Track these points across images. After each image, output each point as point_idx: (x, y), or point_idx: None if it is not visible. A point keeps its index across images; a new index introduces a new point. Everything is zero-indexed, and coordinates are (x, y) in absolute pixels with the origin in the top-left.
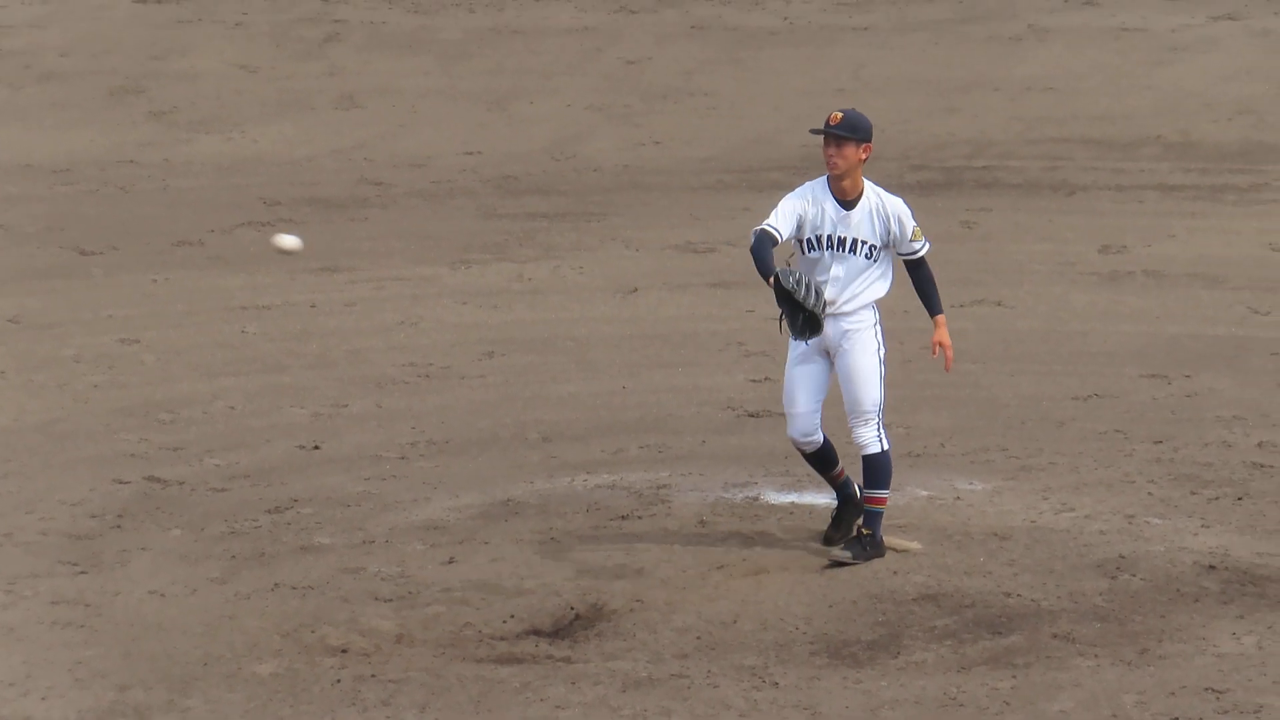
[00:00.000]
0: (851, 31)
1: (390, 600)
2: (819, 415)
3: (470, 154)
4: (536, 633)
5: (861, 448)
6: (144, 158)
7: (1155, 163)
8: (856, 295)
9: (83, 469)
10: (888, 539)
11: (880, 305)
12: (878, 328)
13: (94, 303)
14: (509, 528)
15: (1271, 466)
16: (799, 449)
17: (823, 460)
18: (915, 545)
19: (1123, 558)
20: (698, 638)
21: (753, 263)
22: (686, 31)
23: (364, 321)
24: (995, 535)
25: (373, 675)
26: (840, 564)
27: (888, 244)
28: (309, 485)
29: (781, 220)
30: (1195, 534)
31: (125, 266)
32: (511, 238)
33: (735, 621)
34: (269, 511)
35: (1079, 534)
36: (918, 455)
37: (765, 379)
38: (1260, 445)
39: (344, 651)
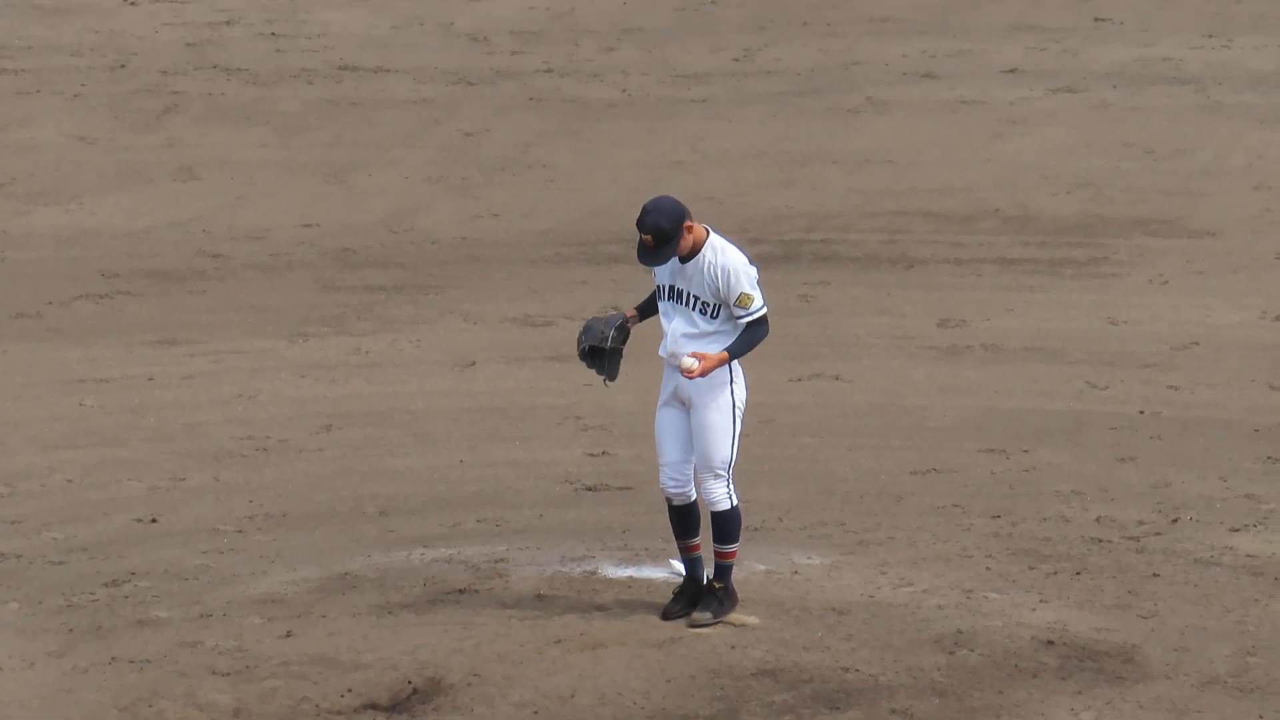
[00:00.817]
0: (690, 104)
1: (228, 674)
2: (690, 466)
3: (308, 226)
4: (374, 707)
5: (711, 505)
6: None
7: (994, 236)
8: (688, 343)
9: None
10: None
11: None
12: (734, 386)
13: None
14: (346, 601)
15: (1109, 541)
16: (667, 499)
17: (686, 521)
18: (753, 620)
19: (961, 633)
20: (535, 712)
21: None
22: (525, 103)
23: (202, 394)
24: (833, 610)
25: None
26: (700, 626)
27: (721, 302)
28: (146, 558)
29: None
30: (1033, 609)
31: None
32: (349, 310)
33: (573, 696)
34: (106, 585)
35: (917, 609)
36: (755, 529)
37: (603, 453)
38: (1098, 520)
39: None
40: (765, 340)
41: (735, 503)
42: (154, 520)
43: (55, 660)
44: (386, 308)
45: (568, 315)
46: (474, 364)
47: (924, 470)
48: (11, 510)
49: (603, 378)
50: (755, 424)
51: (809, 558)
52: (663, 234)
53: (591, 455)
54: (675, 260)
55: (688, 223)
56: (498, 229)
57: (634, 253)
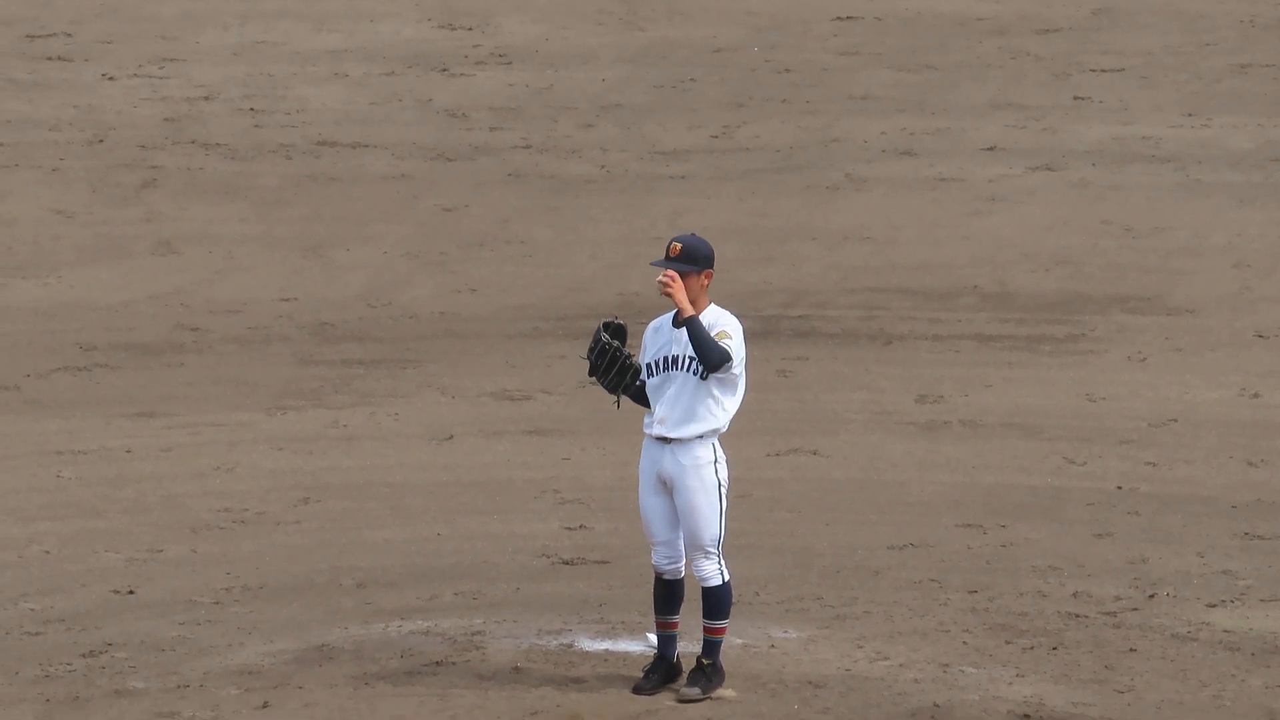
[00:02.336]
0: (669, 180)
1: None
2: (680, 542)
3: (286, 300)
4: None
5: (702, 581)
6: None
7: (972, 313)
8: (690, 420)
9: None
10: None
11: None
12: (718, 465)
13: None
14: (323, 673)
15: (1086, 616)
16: (659, 574)
17: (671, 597)
18: (730, 693)
19: (937, 706)
20: None
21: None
22: (503, 179)
23: (180, 466)
24: (809, 683)
25: None
26: (689, 701)
27: None
28: (123, 630)
29: (641, 355)
30: (1010, 683)
31: None
32: (327, 384)
33: None
34: (84, 655)
35: (894, 682)
36: (732, 604)
37: (580, 526)
38: (1075, 595)
39: None
40: (730, 388)
41: (726, 579)
42: (131, 591)
43: None
44: (364, 381)
45: (545, 389)
46: (452, 437)
47: (901, 545)
48: None
49: (613, 395)
50: (733, 499)
51: (785, 631)
52: (692, 252)
53: (569, 529)
54: (672, 330)
55: (710, 272)
56: (476, 304)
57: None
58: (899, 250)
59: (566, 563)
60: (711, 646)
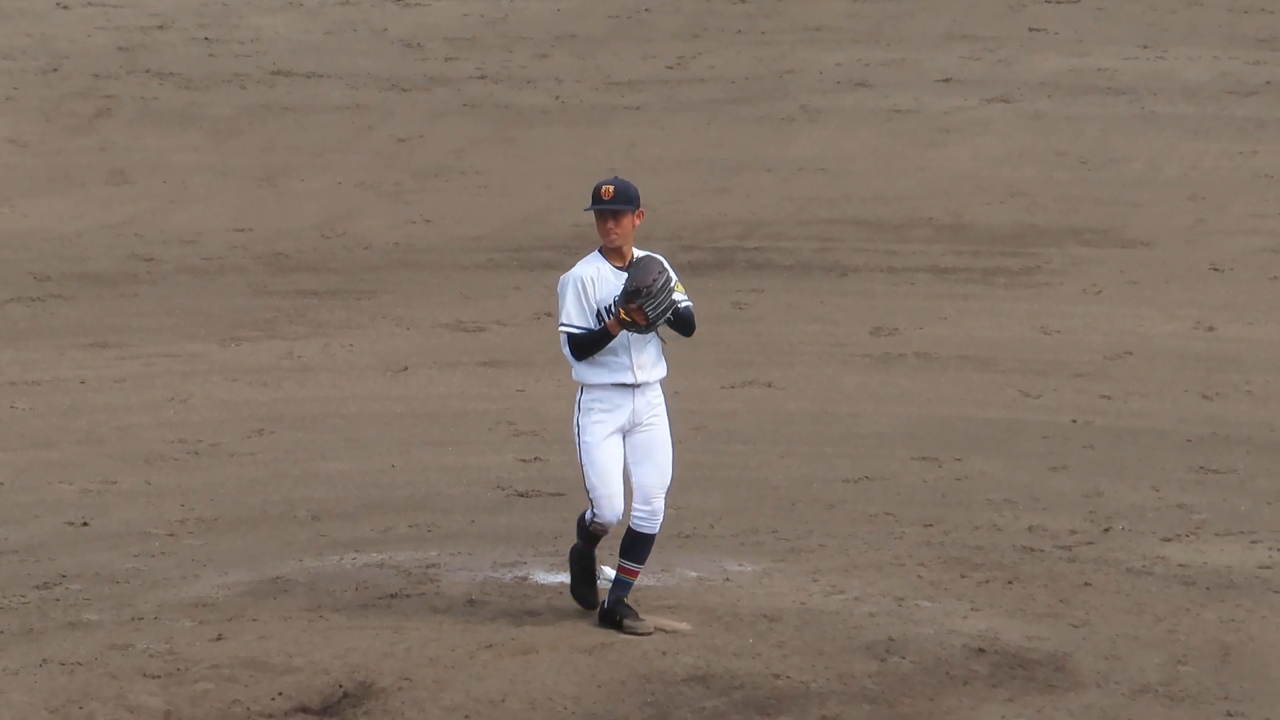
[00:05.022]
0: (623, 110)
1: (159, 677)
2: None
3: (240, 230)
4: (305, 710)
5: (647, 525)
6: None
7: (927, 245)
8: (658, 362)
9: None
10: (656, 619)
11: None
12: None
13: None
14: (278, 605)
15: (1041, 550)
16: (598, 533)
17: (590, 560)
18: (684, 626)
19: (892, 640)
20: (466, 716)
21: (584, 352)
22: (458, 109)
23: (133, 397)
24: (765, 617)
25: None
26: (637, 633)
27: None
28: (77, 561)
29: (576, 317)
30: (965, 617)
31: None
32: (281, 315)
33: (504, 701)
34: (37, 587)
35: (849, 616)
36: (687, 536)
37: (535, 459)
38: (1030, 529)
39: None
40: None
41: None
42: (85, 523)
43: None
44: (319, 312)
45: (500, 321)
46: (406, 369)
47: (856, 478)
48: None
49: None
50: (687, 430)
51: (740, 565)
52: (625, 194)
53: (524, 461)
54: (618, 275)
55: (641, 211)
56: (430, 234)
57: (566, 258)
58: (854, 182)
59: (521, 495)
60: (627, 587)
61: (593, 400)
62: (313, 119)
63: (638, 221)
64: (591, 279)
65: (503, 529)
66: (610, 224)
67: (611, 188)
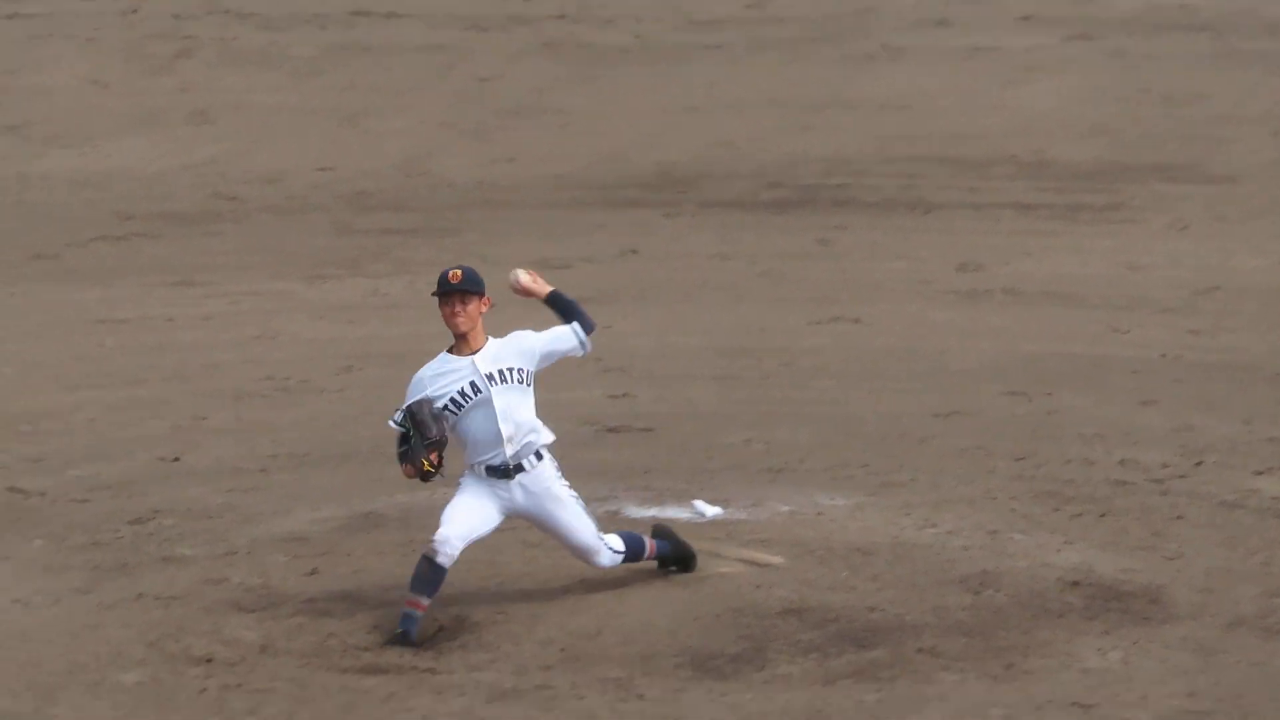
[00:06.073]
0: (703, 49)
1: (253, 611)
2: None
3: (323, 170)
4: (399, 644)
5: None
6: None
7: (1010, 182)
8: (534, 430)
9: None
10: (750, 553)
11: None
12: (560, 475)
13: None
14: (371, 540)
15: (1132, 483)
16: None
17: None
18: (777, 559)
19: (986, 573)
20: (561, 650)
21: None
22: (538, 49)
23: (220, 335)
24: (858, 550)
25: (238, 685)
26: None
27: (534, 361)
28: (170, 497)
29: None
30: (1058, 550)
31: None
32: (365, 253)
33: (598, 634)
34: (131, 523)
35: (942, 549)
36: (778, 471)
37: (624, 394)
38: (1121, 463)
39: (209, 661)
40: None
41: (618, 551)
42: (177, 459)
43: (81, 597)
44: (403, 250)
45: (585, 258)
46: (493, 306)
47: (946, 413)
48: (35, 449)
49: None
50: (776, 366)
51: (832, 499)
52: (473, 280)
53: (613, 397)
54: (478, 364)
55: (488, 298)
56: (513, 173)
57: (650, 196)
58: (936, 120)
59: (611, 430)
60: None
61: (472, 486)
62: (393, 59)
63: (484, 309)
64: (433, 374)
65: (593, 464)
66: (457, 308)
67: (459, 272)
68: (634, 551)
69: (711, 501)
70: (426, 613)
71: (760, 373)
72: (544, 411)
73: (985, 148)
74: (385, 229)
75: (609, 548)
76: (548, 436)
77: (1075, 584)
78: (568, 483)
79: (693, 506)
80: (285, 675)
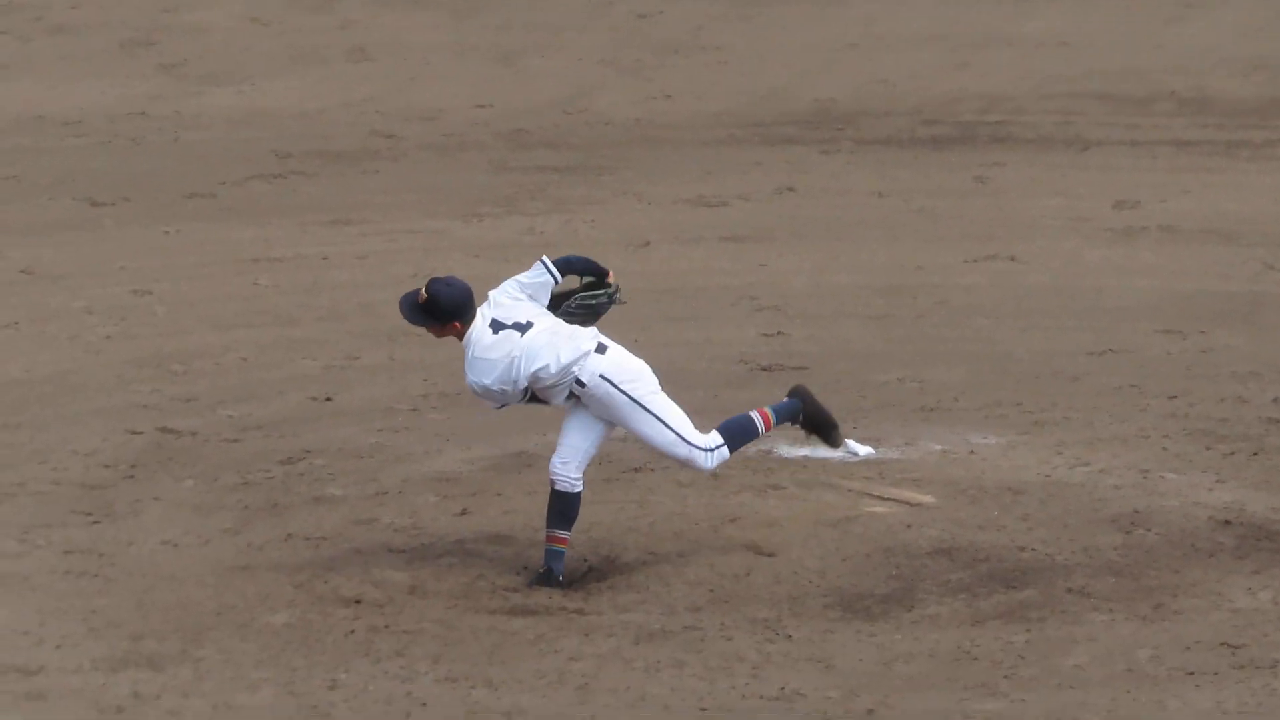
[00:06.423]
0: None
1: (403, 551)
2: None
3: (481, 107)
4: (550, 584)
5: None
6: (154, 110)
7: (1169, 118)
8: (564, 365)
9: (95, 420)
10: (901, 493)
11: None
12: (629, 380)
13: (106, 254)
14: (522, 480)
15: None
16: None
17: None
18: (928, 499)
19: (1137, 512)
20: (710, 590)
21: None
22: None
23: (376, 274)
24: (1009, 490)
25: (386, 626)
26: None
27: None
28: (321, 437)
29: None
30: (1210, 489)
31: (137, 218)
32: (522, 191)
33: (748, 574)
34: (281, 463)
35: (1093, 489)
36: (931, 409)
37: (778, 333)
38: (1276, 401)
39: (357, 602)
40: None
41: (715, 446)
42: (328, 399)
43: (231, 537)
44: (560, 188)
45: (742, 196)
46: (648, 244)
47: (1100, 351)
48: (186, 388)
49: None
50: (930, 305)
51: (984, 437)
52: (437, 307)
53: (766, 335)
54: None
55: (457, 323)
56: (670, 111)
57: (807, 133)
58: (1094, 57)
59: (764, 369)
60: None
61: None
62: None
63: (449, 329)
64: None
65: (746, 403)
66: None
67: (426, 295)
68: (738, 435)
69: (863, 441)
70: (569, 547)
71: (914, 311)
72: (696, 351)
73: (1144, 84)
74: (542, 167)
75: (701, 448)
76: (578, 353)
77: (1226, 523)
78: (648, 388)
79: (845, 446)
80: (433, 617)
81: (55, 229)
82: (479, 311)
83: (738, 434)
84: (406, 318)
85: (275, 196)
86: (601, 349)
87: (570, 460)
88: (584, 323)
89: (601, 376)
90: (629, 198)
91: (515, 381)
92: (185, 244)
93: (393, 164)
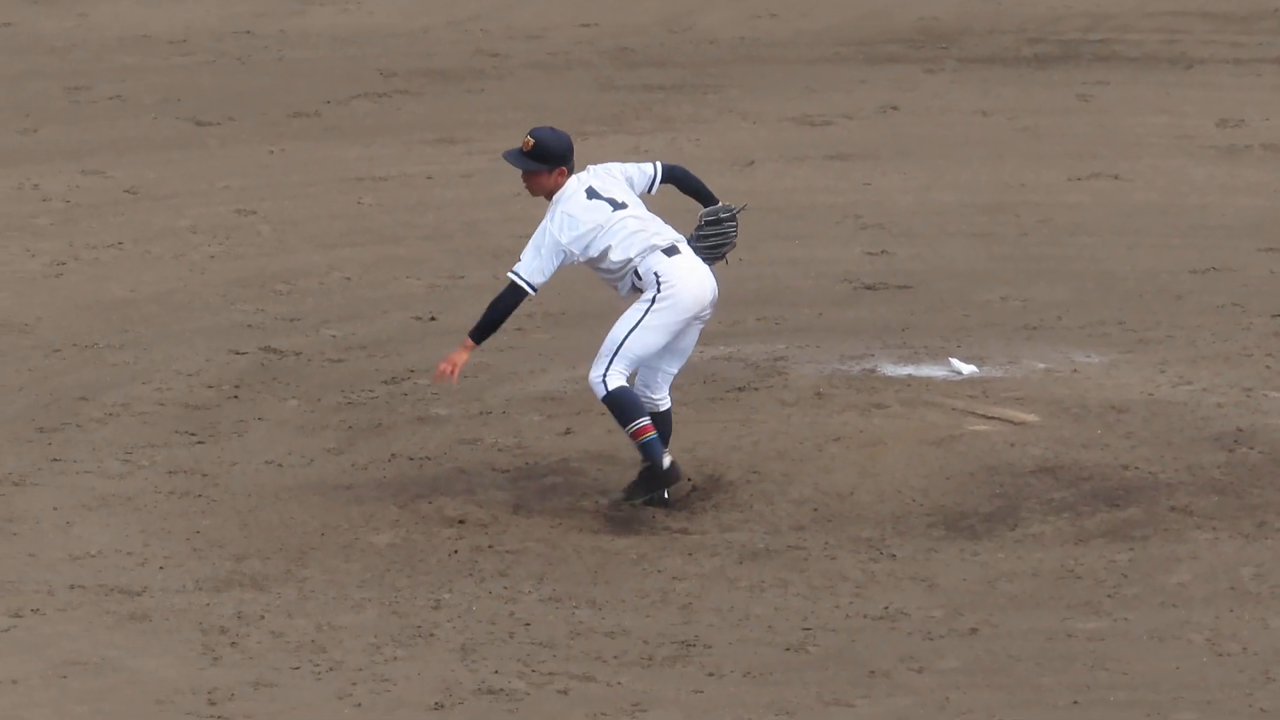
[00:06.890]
0: None
1: (507, 471)
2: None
3: (586, 26)
4: (654, 504)
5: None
6: (259, 29)
7: (1274, 36)
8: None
9: (199, 340)
10: (1004, 411)
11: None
12: (649, 292)
13: (210, 174)
14: None
15: None
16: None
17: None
18: (1032, 417)
19: (1241, 431)
20: (814, 509)
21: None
22: None
23: (480, 193)
24: (1112, 408)
25: (490, 546)
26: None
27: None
28: (425, 356)
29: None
30: None
31: (241, 137)
32: (628, 110)
33: (852, 494)
34: (385, 382)
35: (1196, 407)
36: (1034, 328)
37: (882, 252)
38: None
39: (461, 522)
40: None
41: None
42: (433, 318)
43: (334, 457)
44: (665, 107)
45: (846, 114)
46: (753, 163)
47: (1204, 269)
48: (290, 308)
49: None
50: (1034, 223)
51: (1088, 356)
52: (543, 149)
53: (870, 254)
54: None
55: (564, 170)
56: (775, 29)
57: (911, 52)
58: None
59: (868, 288)
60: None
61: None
62: None
63: (560, 180)
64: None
65: (850, 322)
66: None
67: (532, 140)
68: (625, 405)
69: (967, 359)
70: (657, 434)
71: (1018, 229)
72: (801, 269)
73: (1248, 1)
74: (647, 85)
75: (606, 384)
76: (646, 246)
77: None
78: (660, 305)
79: (949, 364)
80: (537, 536)
81: (160, 148)
82: (575, 175)
83: (626, 405)
84: (514, 163)
85: (380, 115)
86: (672, 251)
87: (597, 365)
88: (712, 252)
89: (655, 274)
90: (734, 116)
91: (587, 249)
92: (290, 163)
93: (497, 82)
